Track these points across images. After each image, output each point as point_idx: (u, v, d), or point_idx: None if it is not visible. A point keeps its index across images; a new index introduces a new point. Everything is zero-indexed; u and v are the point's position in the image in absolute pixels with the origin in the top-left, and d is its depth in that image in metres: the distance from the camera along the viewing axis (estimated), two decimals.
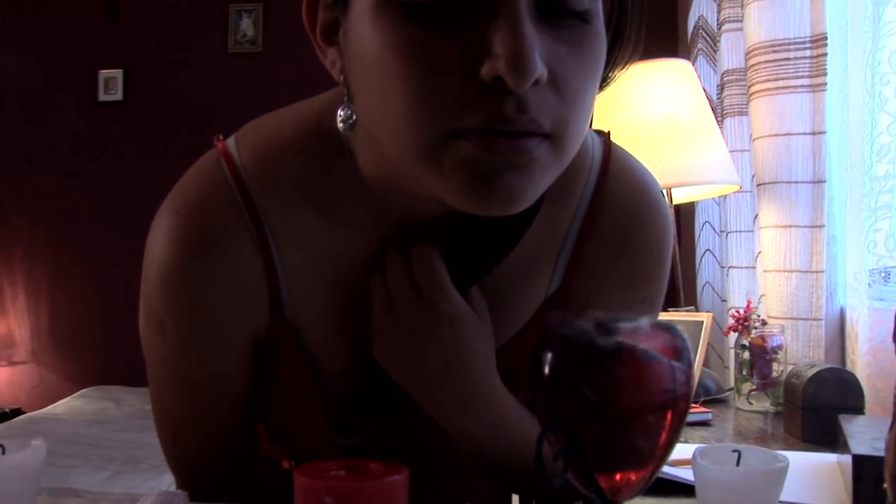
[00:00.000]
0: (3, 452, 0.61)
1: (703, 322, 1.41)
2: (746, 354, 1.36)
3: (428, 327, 0.62)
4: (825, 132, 1.47)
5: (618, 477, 0.42)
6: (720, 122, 1.84)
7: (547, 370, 0.42)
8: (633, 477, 0.42)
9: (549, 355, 0.42)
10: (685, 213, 2.50)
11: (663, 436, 0.41)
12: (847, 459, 0.81)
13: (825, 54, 1.47)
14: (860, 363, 1.36)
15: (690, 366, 0.41)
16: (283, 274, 0.64)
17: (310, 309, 0.66)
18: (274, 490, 0.82)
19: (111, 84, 3.65)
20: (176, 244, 0.63)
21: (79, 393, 3.42)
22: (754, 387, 1.34)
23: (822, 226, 1.46)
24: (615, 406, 0.40)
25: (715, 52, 2.06)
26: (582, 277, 0.69)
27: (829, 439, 1.04)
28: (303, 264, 0.64)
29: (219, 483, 0.74)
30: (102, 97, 3.66)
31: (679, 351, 0.41)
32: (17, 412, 3.47)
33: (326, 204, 0.64)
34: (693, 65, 1.81)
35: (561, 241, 0.68)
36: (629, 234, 0.69)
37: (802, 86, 1.49)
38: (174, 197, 0.65)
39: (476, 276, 0.66)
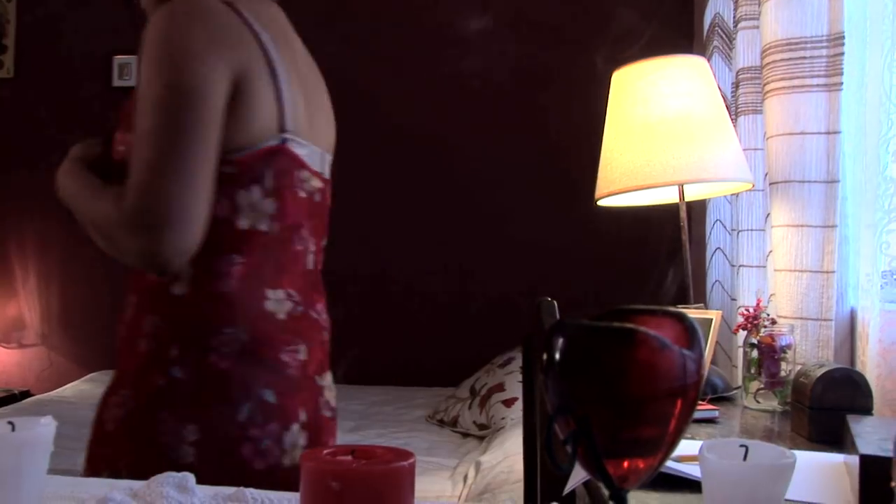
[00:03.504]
0: (14, 429, 0.62)
1: (712, 320, 1.41)
2: (755, 353, 1.35)
3: None
4: (840, 132, 1.46)
5: (626, 464, 0.41)
6: (734, 120, 1.83)
7: (558, 355, 0.41)
8: (641, 465, 0.42)
9: (561, 340, 0.41)
10: (697, 211, 2.49)
11: (672, 423, 0.41)
12: (854, 460, 0.80)
13: (842, 53, 1.45)
14: (870, 364, 1.35)
15: (701, 355, 0.41)
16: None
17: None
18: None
19: (126, 70, 3.68)
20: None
21: (87, 377, 3.43)
22: (762, 385, 1.33)
23: (834, 226, 1.45)
24: (626, 391, 0.40)
25: (730, 49, 2.05)
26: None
27: (837, 439, 1.04)
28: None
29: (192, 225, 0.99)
30: (117, 82, 3.69)
31: (690, 339, 0.41)
32: (25, 394, 3.49)
33: None
34: (708, 62, 1.80)
35: None
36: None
37: (818, 85, 1.48)
38: None
39: None
